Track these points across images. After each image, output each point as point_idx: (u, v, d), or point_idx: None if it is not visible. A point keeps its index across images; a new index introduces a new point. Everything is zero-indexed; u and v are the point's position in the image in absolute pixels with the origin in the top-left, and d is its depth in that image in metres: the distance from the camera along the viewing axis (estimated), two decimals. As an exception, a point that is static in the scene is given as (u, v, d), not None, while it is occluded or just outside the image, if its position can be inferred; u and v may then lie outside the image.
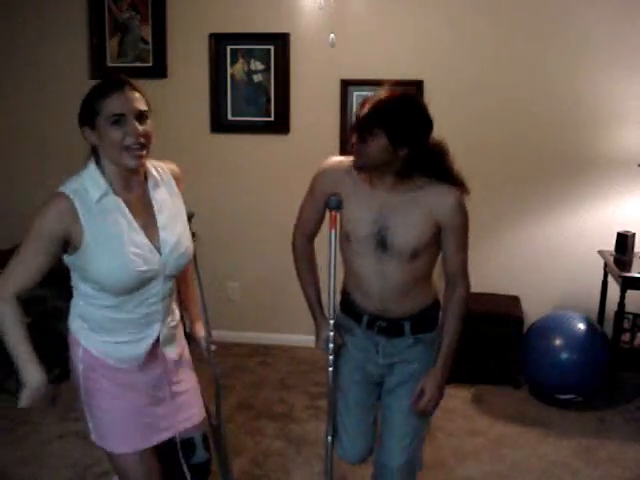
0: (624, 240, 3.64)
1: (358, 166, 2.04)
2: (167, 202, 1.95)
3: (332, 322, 2.19)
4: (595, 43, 3.76)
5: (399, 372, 2.19)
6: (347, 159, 2.13)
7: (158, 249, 1.89)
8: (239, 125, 4.14)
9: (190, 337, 2.21)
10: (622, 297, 3.43)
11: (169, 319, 2.02)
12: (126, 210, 1.85)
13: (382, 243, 2.05)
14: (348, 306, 2.23)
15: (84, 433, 3.20)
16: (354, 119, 2.05)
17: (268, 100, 4.07)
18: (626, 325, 3.74)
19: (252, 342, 4.30)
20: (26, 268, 1.81)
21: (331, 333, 2.19)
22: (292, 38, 3.98)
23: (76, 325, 1.96)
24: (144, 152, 1.83)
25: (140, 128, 1.80)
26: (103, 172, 1.84)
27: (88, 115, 1.82)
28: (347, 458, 2.33)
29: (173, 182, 2.00)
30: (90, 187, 1.81)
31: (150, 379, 1.99)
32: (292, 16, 3.95)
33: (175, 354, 2.04)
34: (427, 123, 2.00)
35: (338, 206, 2.12)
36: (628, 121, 3.79)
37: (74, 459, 3.03)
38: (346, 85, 3.97)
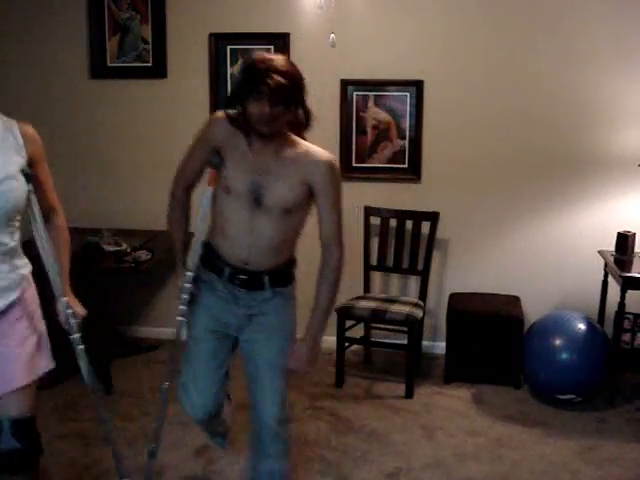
0: (624, 240, 3.64)
1: (269, 134, 2.11)
2: None
3: (191, 275, 2.28)
4: (596, 43, 3.76)
5: (257, 323, 2.30)
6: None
7: None
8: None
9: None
10: (622, 297, 3.43)
11: None
12: None
13: (257, 199, 2.16)
14: (210, 259, 2.29)
15: (84, 433, 3.24)
16: (241, 82, 2.10)
17: (268, 100, 4.07)
18: (626, 325, 3.74)
19: (252, 342, 4.29)
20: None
21: (187, 284, 2.28)
22: (292, 38, 3.98)
23: None
24: None
25: None
26: None
27: None
28: (194, 413, 2.39)
29: (17, 133, 1.98)
30: None
31: None
32: (292, 16, 3.95)
33: (2, 305, 1.95)
34: None
35: (219, 165, 2.21)
36: (628, 121, 3.79)
37: (73, 459, 3.02)
38: (346, 85, 3.97)
